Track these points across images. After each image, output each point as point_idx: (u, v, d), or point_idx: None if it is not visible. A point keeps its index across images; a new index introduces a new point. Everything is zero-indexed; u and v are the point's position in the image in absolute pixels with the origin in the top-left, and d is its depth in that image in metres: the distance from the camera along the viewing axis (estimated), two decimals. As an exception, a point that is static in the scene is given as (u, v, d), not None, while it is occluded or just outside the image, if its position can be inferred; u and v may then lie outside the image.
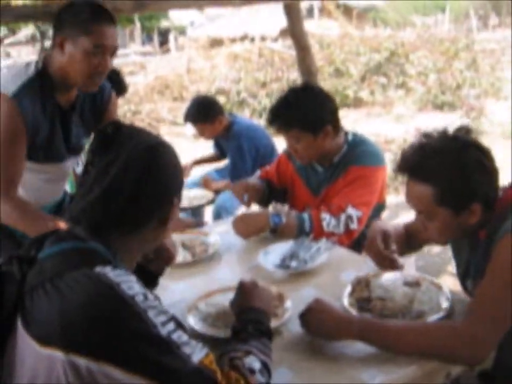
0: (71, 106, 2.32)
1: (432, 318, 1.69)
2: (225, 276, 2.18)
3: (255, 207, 2.89)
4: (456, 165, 1.62)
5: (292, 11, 3.95)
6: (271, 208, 2.71)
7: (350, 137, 2.66)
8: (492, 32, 24.65)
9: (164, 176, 1.36)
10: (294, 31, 3.99)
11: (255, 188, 2.74)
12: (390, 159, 6.70)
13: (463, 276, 1.89)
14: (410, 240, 2.15)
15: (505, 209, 1.67)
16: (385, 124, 10.10)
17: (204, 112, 4.15)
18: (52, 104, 2.22)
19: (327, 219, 2.41)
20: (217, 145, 4.62)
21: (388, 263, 2.03)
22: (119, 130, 1.35)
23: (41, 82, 2.17)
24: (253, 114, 10.89)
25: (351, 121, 10.78)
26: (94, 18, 2.11)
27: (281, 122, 2.55)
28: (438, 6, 30.53)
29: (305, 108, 2.49)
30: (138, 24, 24.10)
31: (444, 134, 1.71)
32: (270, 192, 2.82)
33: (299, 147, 2.56)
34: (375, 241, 2.07)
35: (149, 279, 1.67)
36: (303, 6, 12.90)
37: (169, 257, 1.76)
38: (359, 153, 2.59)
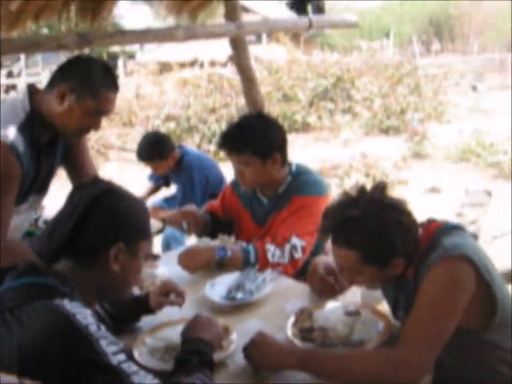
0: (52, 143, 2.33)
1: (371, 345, 1.77)
2: (172, 309, 2.21)
3: (205, 239, 2.92)
4: (376, 230, 1.71)
5: (237, 43, 4.03)
6: (219, 240, 2.75)
7: (293, 168, 2.73)
8: (435, 57, 25.44)
9: (101, 220, 1.44)
10: (240, 63, 4.07)
11: (194, 216, 2.75)
12: (336, 184, 6.87)
13: (393, 307, 1.98)
14: None
15: (427, 244, 1.77)
16: (333, 148, 10.31)
17: (157, 150, 4.17)
18: (38, 142, 2.23)
19: (272, 250, 2.47)
20: (154, 176, 4.62)
21: (328, 291, 2.11)
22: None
23: (32, 124, 2.16)
24: (202, 140, 10.94)
25: (299, 145, 10.96)
26: (105, 85, 2.15)
27: (233, 145, 2.59)
28: (382, 31, 31.37)
29: (258, 133, 2.55)
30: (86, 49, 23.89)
31: (362, 198, 1.79)
32: (215, 224, 2.86)
33: (247, 172, 2.60)
34: (318, 269, 2.16)
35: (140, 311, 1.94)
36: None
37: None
38: (302, 184, 2.66)
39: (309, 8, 4.31)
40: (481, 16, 33.74)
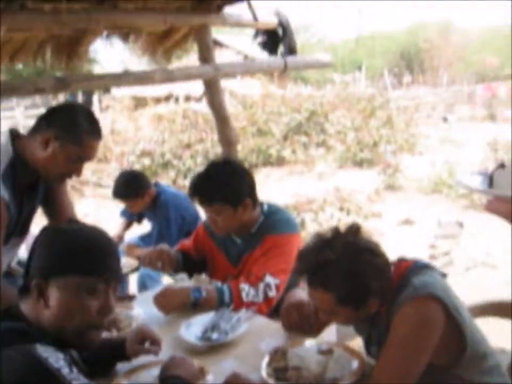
0: (33, 186, 2.36)
1: (344, 383, 1.80)
2: (148, 350, 2.22)
3: (182, 275, 2.94)
4: (351, 272, 1.76)
5: (211, 84, 4.10)
6: (193, 280, 2.78)
7: (265, 207, 2.79)
8: (406, 90, 25.92)
9: (37, 256, 1.49)
10: (214, 103, 4.13)
11: (169, 255, 2.78)
12: (311, 219, 6.92)
13: (366, 343, 2.03)
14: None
15: (398, 283, 1.83)
16: (308, 182, 10.40)
17: (133, 188, 4.20)
18: (21, 187, 2.26)
19: (246, 289, 2.51)
20: (126, 212, 4.64)
21: (299, 331, 2.15)
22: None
23: (15, 169, 2.20)
24: (177, 176, 10.97)
25: (274, 179, 11.05)
26: (89, 133, 2.21)
27: (203, 196, 2.64)
28: (355, 64, 31.93)
29: (226, 183, 2.60)
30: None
31: (337, 240, 1.84)
32: (187, 263, 2.89)
33: (219, 219, 2.66)
34: (289, 310, 2.20)
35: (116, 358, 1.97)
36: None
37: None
38: (274, 222, 2.71)
39: (281, 48, 4.39)
40: (450, 49, 34.57)
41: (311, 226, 6.75)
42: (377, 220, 7.44)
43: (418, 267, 1.87)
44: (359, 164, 11.71)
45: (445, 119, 18.69)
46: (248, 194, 2.66)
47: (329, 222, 7.01)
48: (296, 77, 23.63)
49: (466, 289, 4.86)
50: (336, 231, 1.88)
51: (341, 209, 7.33)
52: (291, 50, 4.53)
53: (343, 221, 7.08)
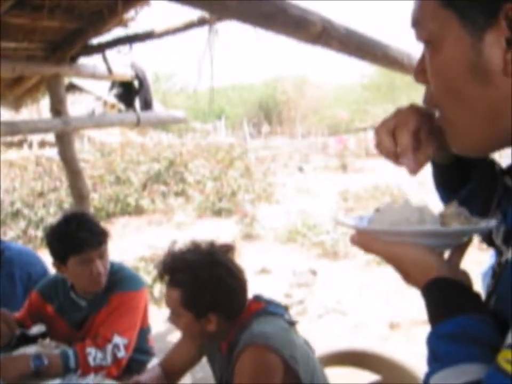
0: None
1: None
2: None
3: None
4: (199, 278, 1.84)
5: (63, 138, 3.99)
6: (38, 345, 2.62)
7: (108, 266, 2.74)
8: (264, 140, 26.83)
9: None
10: (65, 156, 4.01)
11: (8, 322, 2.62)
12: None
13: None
14: None
15: (245, 321, 1.88)
16: (166, 232, 10.32)
17: None
18: None
19: (92, 353, 2.42)
20: None
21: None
22: None
23: None
24: (28, 226, 10.42)
25: (132, 229, 10.86)
26: None
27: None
28: (216, 114, 32.64)
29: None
30: None
31: (206, 248, 1.94)
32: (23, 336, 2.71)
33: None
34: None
35: None
36: (85, 107, 12.91)
37: None
38: (118, 280, 2.67)
39: (137, 102, 4.38)
40: (305, 102, 36.44)
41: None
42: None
43: (266, 312, 1.92)
44: (218, 213, 11.83)
45: (300, 169, 19.49)
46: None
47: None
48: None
49: (319, 336, 5.03)
50: (211, 243, 1.97)
51: (198, 260, 7.31)
52: (147, 103, 4.55)
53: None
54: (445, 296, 0.80)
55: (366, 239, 0.87)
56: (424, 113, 0.94)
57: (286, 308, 2.01)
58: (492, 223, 0.87)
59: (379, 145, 0.96)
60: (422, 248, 0.83)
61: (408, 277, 0.86)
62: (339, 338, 5.25)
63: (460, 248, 0.89)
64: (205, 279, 1.84)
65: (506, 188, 0.99)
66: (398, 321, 5.50)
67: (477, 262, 3.47)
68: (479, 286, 3.56)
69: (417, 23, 0.80)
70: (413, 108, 0.96)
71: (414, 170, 0.94)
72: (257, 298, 2.00)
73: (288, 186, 14.90)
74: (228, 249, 1.98)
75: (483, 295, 0.86)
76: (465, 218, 0.86)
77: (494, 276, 0.84)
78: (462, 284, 0.82)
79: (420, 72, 0.83)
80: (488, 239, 1.03)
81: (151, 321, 2.92)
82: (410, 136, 0.92)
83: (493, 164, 1.03)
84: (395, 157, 0.95)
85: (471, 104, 0.76)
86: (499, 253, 0.85)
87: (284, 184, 14.89)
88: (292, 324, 1.96)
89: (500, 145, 0.81)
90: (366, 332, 5.46)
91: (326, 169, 19.91)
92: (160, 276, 1.94)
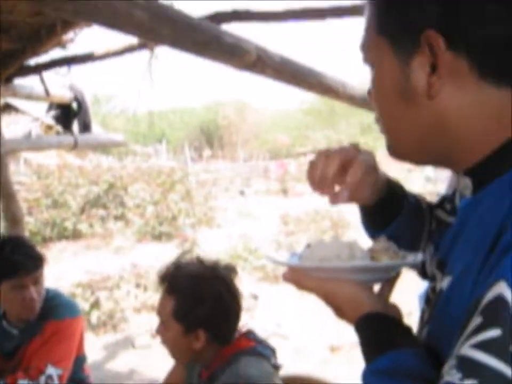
0: None
1: None
2: None
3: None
4: (198, 289, 1.81)
5: (-4, 158, 3.88)
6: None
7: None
8: (206, 164, 26.85)
9: None
10: (-1, 179, 3.90)
11: None
12: (105, 297, 6.71)
13: None
14: None
15: (232, 355, 1.82)
16: (105, 256, 10.12)
17: None
18: None
19: (25, 385, 2.32)
20: None
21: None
22: None
23: None
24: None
25: (69, 254, 10.61)
26: None
27: None
28: (157, 137, 32.47)
29: None
30: None
31: (211, 264, 1.91)
32: None
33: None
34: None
35: None
36: (22, 128, 12.51)
37: None
38: (53, 307, 2.57)
39: (75, 124, 4.30)
40: (247, 127, 36.77)
41: (106, 304, 6.53)
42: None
43: (255, 352, 1.85)
44: (158, 237, 11.70)
45: (242, 193, 19.58)
46: None
47: (125, 299, 6.86)
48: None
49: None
50: (216, 261, 1.94)
51: (137, 285, 7.22)
52: (85, 126, 4.47)
53: (140, 297, 6.97)
54: (377, 332, 0.81)
55: (298, 276, 0.88)
56: (363, 157, 1.00)
57: (273, 351, 1.94)
58: (419, 257, 0.91)
59: (310, 174, 1.01)
60: (353, 284, 0.85)
61: (341, 312, 0.88)
62: (280, 362, 5.23)
63: (390, 282, 0.91)
64: (204, 292, 1.81)
65: (439, 221, 1.05)
66: (339, 344, 5.54)
67: (415, 285, 3.54)
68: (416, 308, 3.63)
69: (363, 47, 0.86)
70: (354, 147, 1.02)
71: (333, 201, 1.00)
72: (249, 335, 1.93)
73: (230, 210, 14.92)
74: (231, 270, 1.95)
75: (419, 318, 0.88)
76: (394, 253, 0.90)
77: (429, 302, 0.86)
78: (393, 318, 0.84)
79: (370, 91, 0.88)
80: (420, 271, 1.09)
81: (87, 349, 2.84)
82: (338, 171, 0.98)
83: (418, 200, 1.11)
84: (320, 187, 1.00)
85: (401, 123, 0.81)
86: (433, 279, 0.86)
87: (225, 208, 14.90)
88: (276, 367, 1.92)
89: (430, 161, 0.86)
90: (307, 355, 5.47)
91: (267, 193, 20.06)
92: (160, 282, 1.91)
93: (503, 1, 0.71)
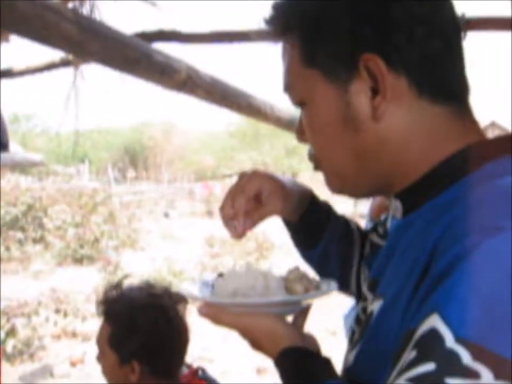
0: None
1: None
2: None
3: None
4: (133, 317, 1.68)
5: None
6: None
7: None
8: (130, 185, 26.51)
9: None
10: None
11: None
12: (22, 324, 6.43)
13: None
14: None
15: None
16: (23, 281, 9.72)
17: None
18: None
19: None
20: None
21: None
22: None
23: None
24: None
25: (-17, 279, 10.12)
26: None
27: None
28: (79, 157, 31.74)
29: None
30: None
31: (152, 290, 1.77)
32: None
33: None
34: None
35: None
36: None
37: None
38: None
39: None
40: (172, 148, 36.59)
41: (23, 332, 6.25)
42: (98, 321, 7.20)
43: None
44: (80, 260, 11.36)
45: (166, 215, 19.39)
46: None
47: (43, 326, 6.59)
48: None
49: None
50: (165, 287, 1.81)
51: (57, 311, 6.97)
52: (2, 145, 4.28)
53: (59, 323, 6.73)
54: (296, 365, 0.80)
55: (215, 312, 0.86)
56: (267, 175, 1.02)
57: None
58: (332, 285, 0.93)
59: (221, 209, 1.01)
60: (270, 317, 0.84)
61: (259, 346, 0.86)
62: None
63: (303, 312, 0.92)
64: (138, 319, 1.66)
65: (373, 244, 1.06)
66: (265, 366, 5.51)
67: (339, 304, 3.57)
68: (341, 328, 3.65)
69: (287, 87, 0.83)
70: (255, 172, 1.02)
71: (238, 235, 1.01)
72: (200, 374, 1.79)
73: (154, 232, 14.73)
74: (179, 300, 1.77)
75: (346, 338, 0.89)
76: (308, 282, 0.91)
77: (359, 322, 0.85)
78: (311, 351, 0.83)
79: (301, 132, 0.86)
80: (355, 292, 1.10)
81: (2, 380, 2.69)
82: (244, 200, 0.99)
83: (346, 220, 1.12)
84: (231, 224, 1.01)
85: (343, 153, 0.79)
86: (364, 299, 0.86)
87: (149, 230, 14.70)
88: None
89: (370, 191, 0.86)
90: (233, 378, 5.42)
91: (192, 215, 19.96)
92: (97, 307, 1.78)
93: (429, 18, 0.71)
